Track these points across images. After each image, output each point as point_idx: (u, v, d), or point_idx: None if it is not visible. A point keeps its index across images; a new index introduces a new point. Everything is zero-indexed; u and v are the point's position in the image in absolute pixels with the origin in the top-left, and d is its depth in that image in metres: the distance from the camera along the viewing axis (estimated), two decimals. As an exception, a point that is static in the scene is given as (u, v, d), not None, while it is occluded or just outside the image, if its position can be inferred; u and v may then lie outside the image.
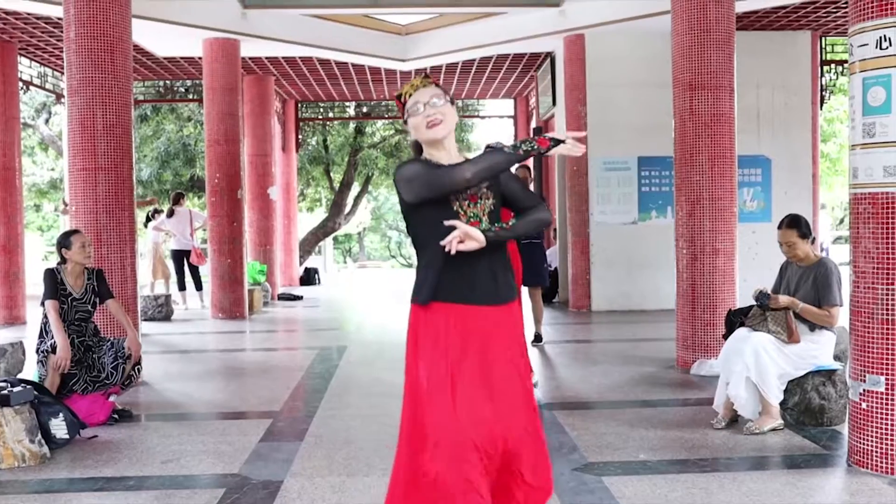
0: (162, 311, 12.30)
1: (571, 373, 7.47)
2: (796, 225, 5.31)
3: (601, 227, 11.93)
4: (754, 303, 5.33)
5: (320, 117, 20.82)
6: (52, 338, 5.70)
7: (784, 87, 11.96)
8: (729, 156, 7.12)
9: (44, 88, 15.04)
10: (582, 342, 9.32)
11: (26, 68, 13.38)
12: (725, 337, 6.26)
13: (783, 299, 5.19)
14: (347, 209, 23.16)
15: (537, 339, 8.87)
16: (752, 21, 11.14)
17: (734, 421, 5.31)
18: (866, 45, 4.26)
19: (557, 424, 5.48)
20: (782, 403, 5.24)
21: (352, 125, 22.02)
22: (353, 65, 14.45)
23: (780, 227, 5.37)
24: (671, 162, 12.06)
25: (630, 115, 11.76)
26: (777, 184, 12.07)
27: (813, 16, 11.28)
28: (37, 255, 26.28)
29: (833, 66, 13.01)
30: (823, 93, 12.79)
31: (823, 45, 12.67)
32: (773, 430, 5.13)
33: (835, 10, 11.04)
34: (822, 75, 12.64)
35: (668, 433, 5.19)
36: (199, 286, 13.51)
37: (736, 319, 5.71)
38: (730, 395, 5.20)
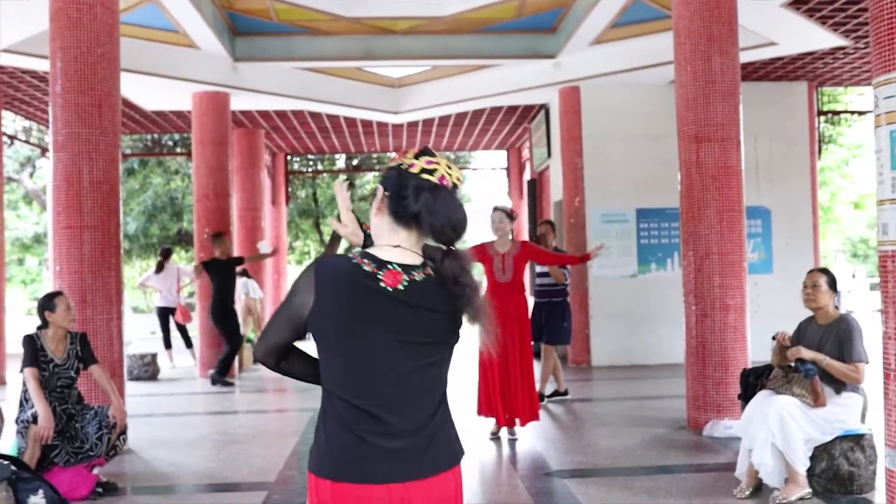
0: (148, 370, 11.92)
1: (579, 435, 7.16)
2: (827, 273, 5.14)
3: (600, 280, 11.69)
4: (778, 364, 5.07)
5: (310, 170, 20.66)
6: (33, 407, 5.37)
7: (782, 137, 11.86)
8: (737, 208, 6.92)
9: (28, 143, 14.81)
10: (585, 401, 9.01)
11: (10, 122, 13.16)
12: (741, 397, 6.01)
13: (807, 353, 4.93)
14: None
15: (555, 394, 8.72)
16: (749, 72, 11.05)
17: (758, 489, 5.01)
18: (892, 96, 4.07)
19: (570, 495, 5.17)
20: (809, 470, 4.95)
21: (342, 178, 21.85)
22: (345, 118, 14.31)
23: (810, 271, 5.18)
24: (671, 214, 12.10)
25: (627, 166, 11.61)
26: (777, 235, 11.90)
27: (809, 66, 11.21)
28: (20, 310, 25.83)
29: (829, 115, 12.94)
30: (820, 143, 12.69)
31: (819, 96, 12.60)
32: (801, 499, 4.84)
33: (832, 62, 10.98)
34: (818, 125, 12.55)
35: (689, 504, 4.89)
36: (188, 344, 13.15)
37: (754, 380, 5.45)
38: (754, 463, 4.91)
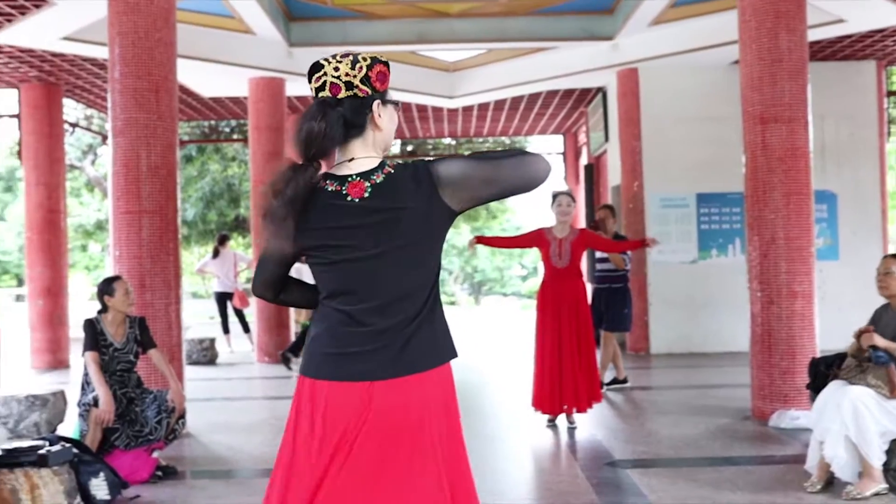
0: (207, 354, 12.06)
1: (640, 425, 7.01)
2: None
3: (659, 266, 11.46)
4: (852, 354, 4.86)
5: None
6: (94, 390, 5.40)
7: (849, 118, 11.46)
8: (805, 191, 6.68)
9: (90, 130, 15.07)
10: (645, 389, 8.84)
11: (72, 110, 13.37)
12: (809, 387, 5.81)
13: (880, 341, 4.72)
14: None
15: (614, 382, 8.58)
16: (815, 52, 10.69)
17: (830, 483, 4.82)
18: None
19: (633, 486, 5.04)
20: (885, 464, 4.74)
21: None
22: (400, 102, 14.23)
23: (884, 258, 4.95)
24: (732, 198, 11.82)
25: (687, 150, 11.34)
26: (843, 220, 11.52)
27: (879, 45, 10.81)
28: (83, 296, 26.38)
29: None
30: (889, 125, 12.25)
31: (888, 76, 12.16)
32: (876, 494, 4.64)
33: (903, 38, 10.57)
34: (888, 107, 12.11)
35: (757, 498, 4.72)
36: (246, 329, 13.25)
37: (825, 370, 5.25)
38: (826, 457, 4.72)
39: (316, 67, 2.23)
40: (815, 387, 5.61)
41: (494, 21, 10.82)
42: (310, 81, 2.24)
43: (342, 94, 2.20)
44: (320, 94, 2.21)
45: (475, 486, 2.30)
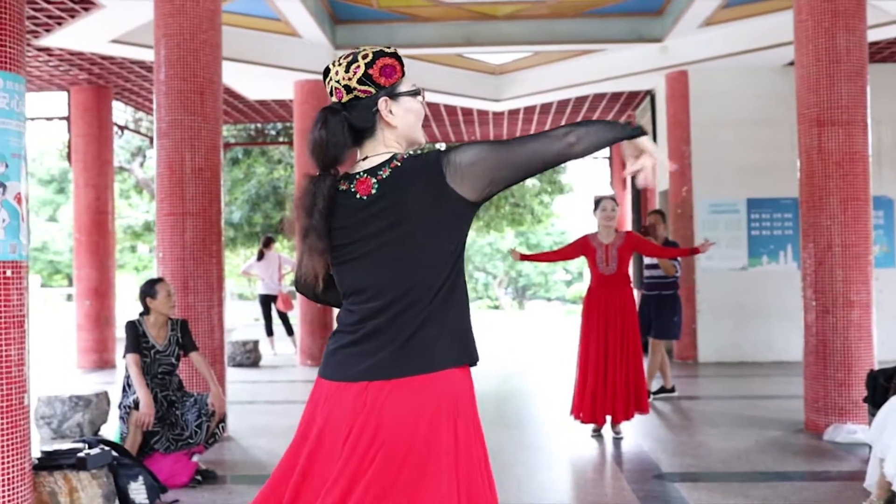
0: (250, 357, 12.08)
1: (689, 436, 6.81)
2: None
3: (708, 273, 11.22)
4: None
5: (409, 159, 20.66)
6: (135, 393, 5.38)
7: (908, 122, 11.12)
8: (863, 197, 6.44)
9: (138, 132, 15.22)
10: (693, 398, 8.62)
11: (121, 113, 13.52)
12: (867, 401, 5.60)
13: None
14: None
15: (661, 391, 8.38)
16: (872, 53, 10.37)
17: (890, 503, 4.61)
18: None
19: (682, 500, 4.87)
20: (949, 484, 4.52)
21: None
22: (445, 105, 14.16)
23: None
24: (784, 204, 11.53)
25: (738, 154, 11.09)
26: (901, 227, 11.19)
27: (940, 46, 10.47)
28: (131, 296, 26.75)
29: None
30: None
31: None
32: (939, 515, 4.42)
33: (966, 40, 10.22)
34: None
35: (813, 516, 4.53)
36: (289, 331, 13.26)
37: (884, 383, 5.04)
38: (887, 475, 4.49)
39: (325, 73, 2.20)
40: (874, 400, 5.41)
41: (542, 23, 10.69)
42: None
43: (345, 97, 2.16)
44: (331, 100, 2.19)
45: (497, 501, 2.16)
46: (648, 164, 2.15)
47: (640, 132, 2.13)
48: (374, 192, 2.10)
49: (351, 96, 2.15)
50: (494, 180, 2.07)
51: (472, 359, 2.14)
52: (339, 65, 2.15)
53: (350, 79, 2.13)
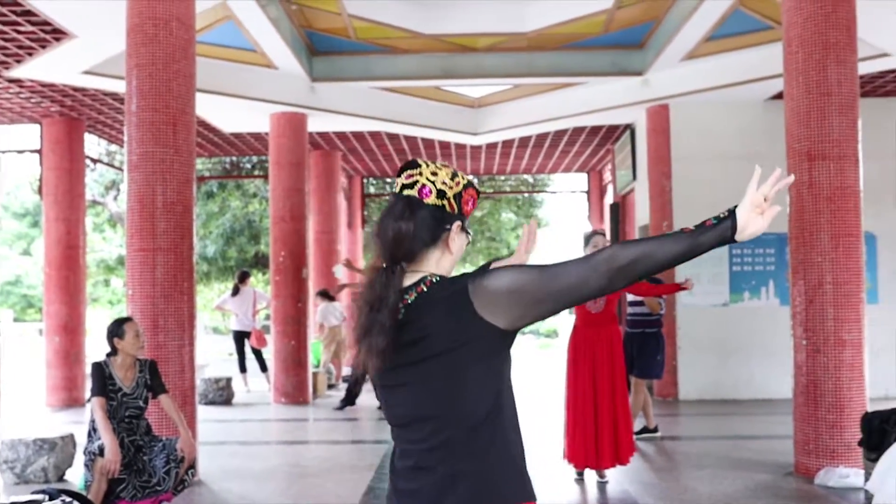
0: (223, 394, 11.77)
1: (674, 480, 6.59)
2: None
3: (689, 309, 11.07)
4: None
5: (386, 193, 20.49)
6: (100, 438, 5.10)
7: (890, 157, 11.08)
8: (855, 233, 6.32)
9: (112, 165, 14.94)
10: (676, 439, 8.42)
11: (94, 145, 13.24)
12: (862, 444, 5.43)
13: None
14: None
15: (643, 431, 8.18)
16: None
17: (892, 553, 4.41)
18: None
19: (674, 551, 4.65)
20: (954, 534, 4.34)
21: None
22: (423, 139, 14.02)
23: None
24: (766, 239, 11.44)
25: (719, 188, 10.96)
26: (883, 262, 11.12)
27: (917, 82, 10.48)
28: (105, 332, 26.31)
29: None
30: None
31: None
32: (945, 566, 4.23)
33: (947, 76, 10.23)
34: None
35: (813, 568, 4.32)
36: (263, 368, 12.96)
37: (884, 426, 4.87)
38: (890, 524, 4.32)
39: (412, 164, 2.07)
40: (870, 444, 5.24)
41: (522, 56, 10.60)
42: (399, 175, 2.07)
43: (430, 199, 2.02)
44: (405, 192, 2.03)
45: None
46: (769, 212, 1.87)
47: (730, 222, 1.85)
48: (401, 317, 1.95)
49: (439, 202, 2.02)
50: (526, 315, 1.90)
51: (531, 497, 1.97)
52: (438, 168, 2.05)
53: (451, 187, 2.03)
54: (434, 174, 2.03)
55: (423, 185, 2.02)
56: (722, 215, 1.85)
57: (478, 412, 1.90)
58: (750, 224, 1.84)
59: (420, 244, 2.00)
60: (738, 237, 1.84)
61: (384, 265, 2.00)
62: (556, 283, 1.86)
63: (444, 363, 1.91)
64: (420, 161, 2.07)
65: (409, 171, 2.05)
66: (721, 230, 1.84)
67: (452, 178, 2.04)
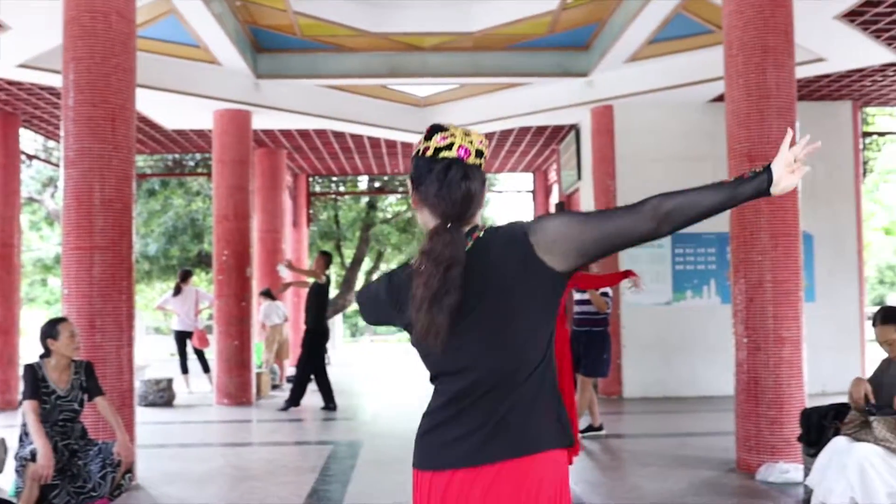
0: (163, 395, 11.55)
1: (620, 478, 6.64)
2: (893, 319, 4.58)
3: (633, 308, 11.18)
4: (857, 408, 4.55)
5: (332, 192, 20.32)
6: (32, 443, 4.94)
7: (824, 159, 11.32)
8: (793, 233, 6.43)
9: (49, 162, 14.57)
10: (621, 437, 8.49)
11: (30, 141, 12.90)
12: (802, 440, 5.52)
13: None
14: (358, 286, 22.48)
15: (589, 429, 8.23)
16: (791, 91, 10.59)
17: (830, 547, 4.49)
18: None
19: (619, 549, 4.67)
20: (890, 528, 4.43)
21: (364, 200, 21.50)
22: (369, 137, 13.94)
23: (874, 324, 4.64)
24: (707, 239, 11.62)
25: (662, 188, 10.67)
26: (820, 262, 11.36)
27: (856, 85, 10.72)
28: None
29: (874, 137, 12.42)
30: (865, 165, 12.15)
31: (864, 116, 12.09)
32: (882, 560, 4.32)
33: (881, 79, 10.48)
34: (863, 148, 12.02)
35: (754, 564, 4.37)
36: (206, 369, 12.76)
37: (823, 422, 4.95)
38: (828, 519, 4.39)
39: (440, 127, 2.08)
40: (809, 440, 5.33)
41: (468, 55, 10.59)
42: (428, 139, 2.07)
43: (470, 159, 2.05)
44: (441, 154, 2.04)
45: None
46: (799, 171, 1.96)
47: (767, 175, 1.93)
48: None
49: (479, 161, 2.06)
50: (584, 253, 1.97)
51: (571, 441, 2.02)
52: (466, 132, 2.07)
53: (483, 148, 2.08)
54: (467, 135, 2.06)
55: (462, 146, 2.04)
56: (758, 169, 1.94)
57: (532, 358, 1.96)
58: (783, 179, 1.93)
59: (481, 201, 2.06)
60: (773, 190, 1.93)
61: (447, 226, 2.00)
62: (609, 225, 1.93)
63: (506, 309, 1.95)
64: (443, 125, 2.09)
65: (442, 133, 2.06)
66: (758, 182, 1.92)
67: (481, 140, 2.09)
